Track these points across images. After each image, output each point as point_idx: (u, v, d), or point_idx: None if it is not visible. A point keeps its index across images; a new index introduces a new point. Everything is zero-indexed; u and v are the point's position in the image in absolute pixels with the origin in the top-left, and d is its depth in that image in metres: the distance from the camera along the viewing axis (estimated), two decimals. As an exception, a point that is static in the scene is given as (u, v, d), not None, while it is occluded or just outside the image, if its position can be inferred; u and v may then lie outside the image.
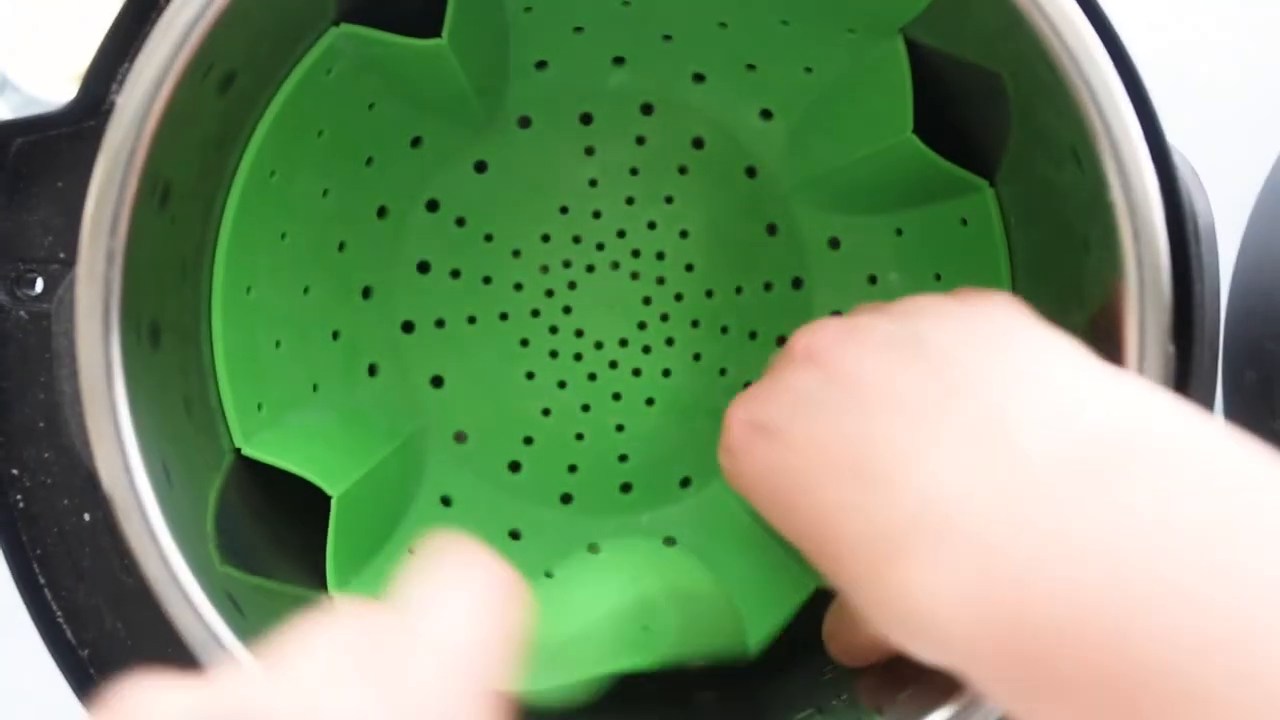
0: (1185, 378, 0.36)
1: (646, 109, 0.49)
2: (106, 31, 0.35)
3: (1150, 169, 0.35)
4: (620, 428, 0.50)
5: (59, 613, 0.36)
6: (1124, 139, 0.35)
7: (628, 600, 0.44)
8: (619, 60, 0.48)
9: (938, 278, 0.47)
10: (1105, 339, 0.36)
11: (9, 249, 0.36)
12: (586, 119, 0.49)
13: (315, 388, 0.47)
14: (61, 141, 0.35)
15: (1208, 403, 0.37)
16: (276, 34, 0.39)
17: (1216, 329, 0.37)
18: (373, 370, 0.49)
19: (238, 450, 0.42)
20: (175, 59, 0.34)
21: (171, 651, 0.36)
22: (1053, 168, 0.39)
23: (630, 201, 0.49)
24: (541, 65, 0.48)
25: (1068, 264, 0.40)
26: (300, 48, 0.41)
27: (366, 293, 0.48)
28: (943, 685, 0.35)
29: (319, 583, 0.43)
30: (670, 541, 0.50)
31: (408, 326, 0.49)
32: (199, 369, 0.41)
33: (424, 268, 0.49)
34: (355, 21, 0.41)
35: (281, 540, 0.43)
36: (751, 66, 0.47)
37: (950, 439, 0.30)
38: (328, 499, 0.42)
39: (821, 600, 0.44)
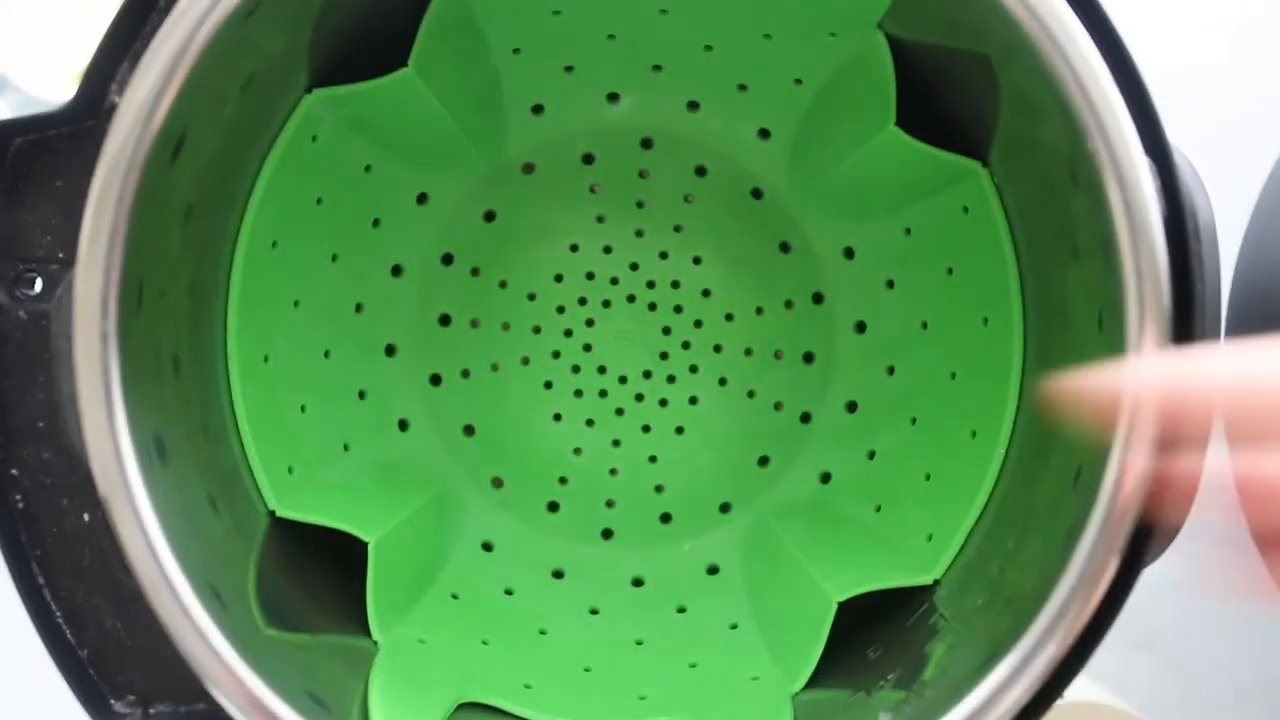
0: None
1: (646, 143, 0.50)
2: (105, 30, 0.35)
3: (1147, 169, 0.34)
4: (653, 459, 0.50)
5: (58, 613, 0.36)
6: (1120, 143, 0.34)
7: (625, 667, 0.44)
8: (613, 97, 0.49)
9: (950, 271, 0.46)
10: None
11: (8, 249, 0.36)
12: (588, 159, 0.50)
13: (346, 447, 0.47)
14: (61, 141, 0.35)
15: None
16: (245, 101, 0.40)
17: (1218, 330, 0.36)
18: (403, 425, 0.49)
19: (272, 513, 0.42)
20: (145, 130, 0.34)
21: (171, 652, 0.35)
22: (1044, 149, 0.38)
23: (639, 234, 0.50)
24: (538, 110, 0.49)
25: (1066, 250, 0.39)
26: (276, 119, 0.42)
27: (390, 350, 0.49)
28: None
29: (360, 630, 0.42)
30: (714, 570, 0.49)
31: (435, 379, 0.50)
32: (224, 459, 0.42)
33: (445, 320, 0.50)
34: (328, 84, 0.43)
35: (322, 593, 0.43)
36: (743, 87, 0.48)
37: None
38: (366, 549, 0.42)
39: (841, 616, 0.43)
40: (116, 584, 0.36)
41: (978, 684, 0.34)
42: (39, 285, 0.36)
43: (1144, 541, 0.36)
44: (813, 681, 0.43)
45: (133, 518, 0.35)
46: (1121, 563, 0.35)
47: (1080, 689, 0.55)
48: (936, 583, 0.43)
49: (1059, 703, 0.50)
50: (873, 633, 0.44)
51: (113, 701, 0.36)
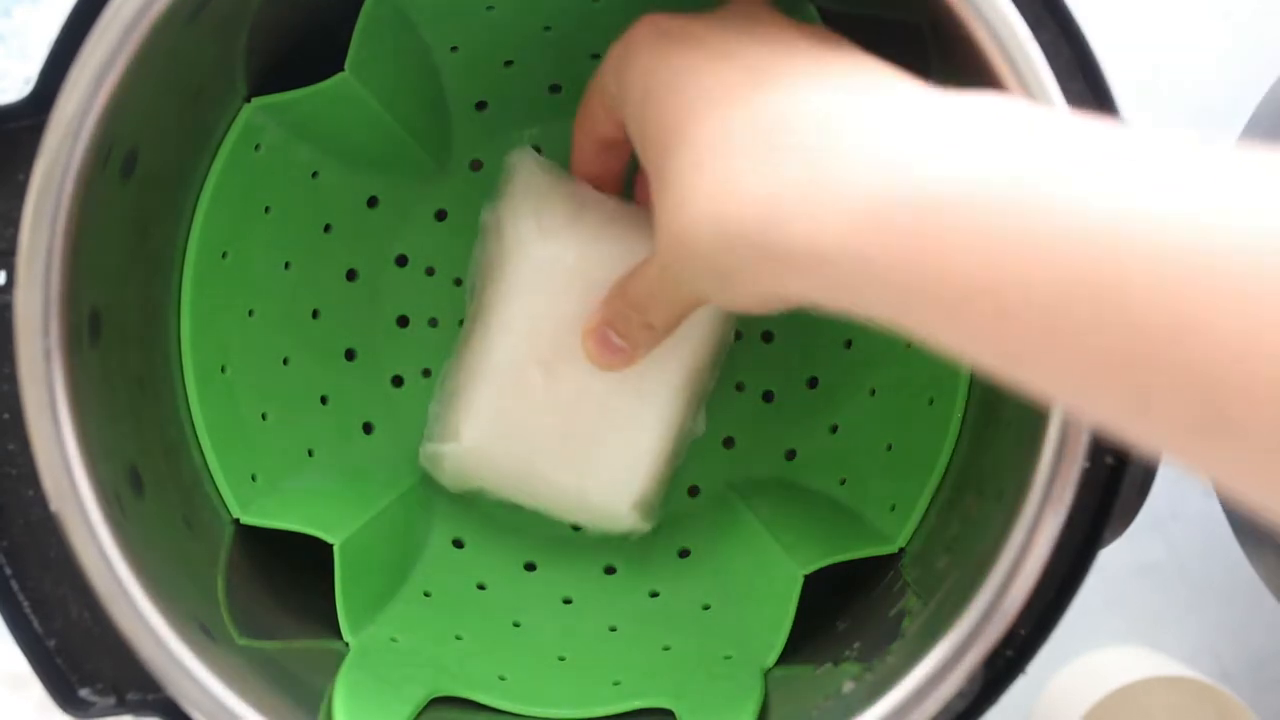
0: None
1: (591, 132, 0.50)
2: (62, 23, 0.35)
3: None
4: (619, 448, 0.50)
5: (25, 603, 0.36)
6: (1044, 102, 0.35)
7: (599, 654, 0.45)
8: (555, 88, 0.49)
9: None
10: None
11: (-30, 241, 0.35)
12: (536, 151, 0.50)
13: (310, 453, 0.47)
14: (22, 134, 0.35)
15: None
16: (180, 112, 0.40)
17: None
18: (368, 428, 0.49)
19: (236, 520, 0.43)
20: (74, 146, 0.35)
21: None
22: None
23: (591, 223, 0.50)
24: (481, 106, 0.49)
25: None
26: (218, 129, 0.43)
27: (349, 355, 0.49)
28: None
29: (334, 633, 0.42)
30: (685, 553, 0.49)
31: (397, 381, 0.50)
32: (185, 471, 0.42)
33: (403, 322, 0.50)
34: (267, 92, 0.43)
35: (293, 599, 0.44)
36: (683, 70, 0.48)
37: None
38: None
39: (811, 590, 0.43)
40: (84, 573, 0.36)
41: (936, 646, 0.35)
42: (1, 277, 0.35)
43: (1103, 519, 0.36)
44: (785, 657, 0.43)
45: (87, 533, 0.35)
46: (1080, 539, 0.36)
47: (1160, 665, 0.56)
48: (901, 550, 0.43)
49: (1139, 677, 0.51)
50: (842, 605, 0.44)
51: (80, 690, 0.36)
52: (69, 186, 0.35)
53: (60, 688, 0.37)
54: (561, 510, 0.46)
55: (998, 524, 0.35)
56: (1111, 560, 0.61)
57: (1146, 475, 0.38)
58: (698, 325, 0.44)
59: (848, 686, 0.38)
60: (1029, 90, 0.35)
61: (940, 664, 0.34)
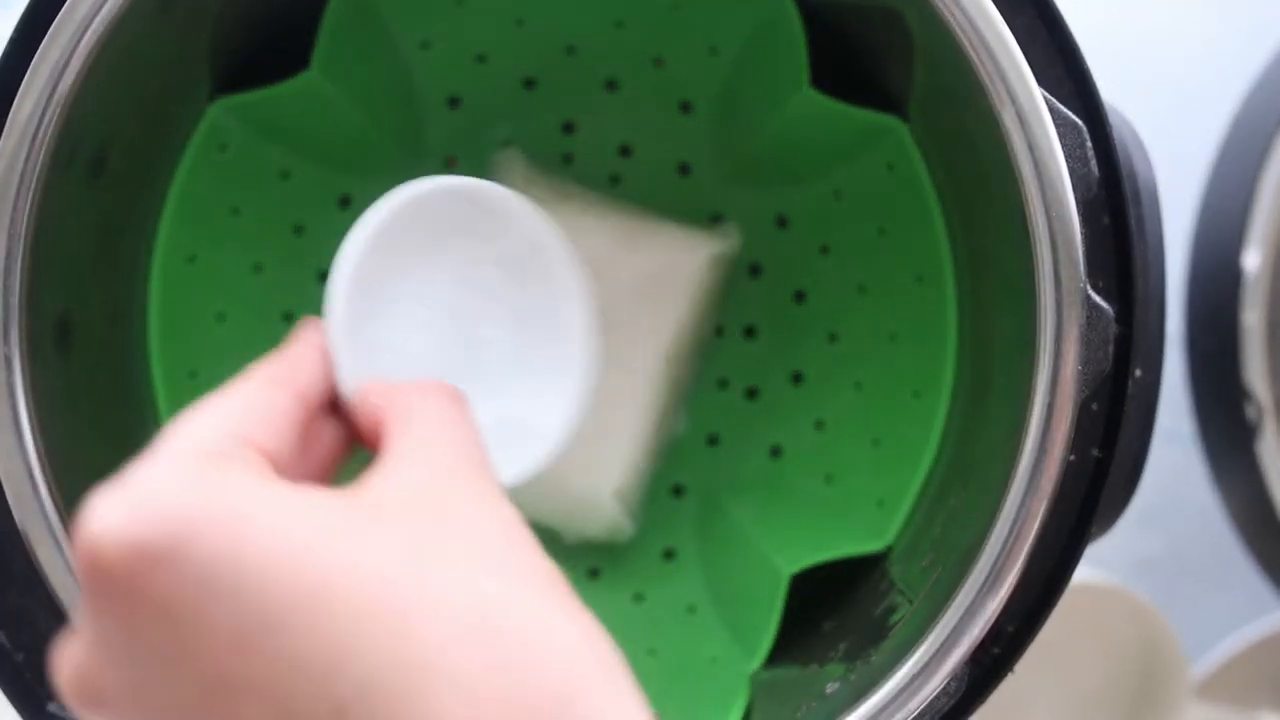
0: (1127, 341, 0.35)
1: (568, 127, 0.49)
2: (14, 27, 0.35)
3: (1044, 105, 0.34)
4: (601, 446, 0.49)
5: None
6: (1018, 82, 0.34)
7: None
8: (530, 83, 0.48)
9: (881, 231, 0.46)
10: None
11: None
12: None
13: (286, 459, 0.46)
14: None
15: (1155, 365, 0.36)
16: (142, 113, 0.40)
17: (1162, 291, 0.37)
18: (344, 433, 0.48)
19: None
20: (32, 148, 0.34)
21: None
22: (967, 115, 0.38)
23: (568, 220, 0.49)
24: (454, 102, 0.48)
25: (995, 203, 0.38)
26: (182, 130, 0.42)
27: (325, 357, 0.48)
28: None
29: None
30: (670, 554, 0.48)
31: (373, 384, 0.49)
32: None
33: (378, 324, 0.49)
34: (234, 91, 0.42)
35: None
36: (659, 61, 0.47)
37: None
38: None
39: (798, 591, 0.43)
40: (50, 585, 0.35)
41: (920, 645, 0.34)
42: None
43: (1089, 512, 0.35)
44: (772, 659, 0.42)
45: (51, 545, 0.35)
46: (1067, 533, 0.35)
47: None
48: (888, 548, 0.42)
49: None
50: (828, 605, 0.43)
51: (49, 704, 0.36)
52: (27, 190, 0.34)
53: (28, 702, 0.36)
54: (538, 507, 0.45)
55: (983, 519, 0.34)
56: (1111, 553, 0.60)
57: (1134, 467, 0.37)
58: (672, 310, 0.46)
59: (831, 687, 0.37)
60: (1005, 76, 0.34)
61: (923, 663, 0.34)
